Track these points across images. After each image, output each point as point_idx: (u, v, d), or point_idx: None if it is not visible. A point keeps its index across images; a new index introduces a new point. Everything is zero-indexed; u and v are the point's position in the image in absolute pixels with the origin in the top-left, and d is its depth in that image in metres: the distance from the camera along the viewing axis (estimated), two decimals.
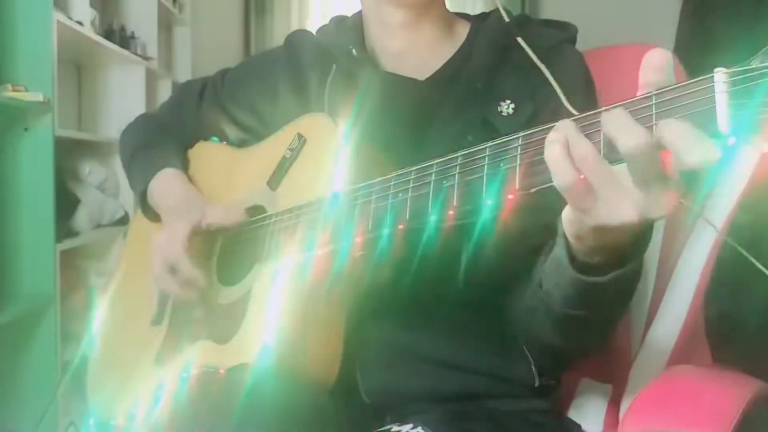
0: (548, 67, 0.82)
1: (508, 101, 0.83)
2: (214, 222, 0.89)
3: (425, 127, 0.86)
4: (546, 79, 0.82)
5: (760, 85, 0.44)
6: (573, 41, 0.90)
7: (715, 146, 0.46)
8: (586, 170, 0.52)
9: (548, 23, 0.92)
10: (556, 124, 0.55)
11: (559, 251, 0.66)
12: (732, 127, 0.45)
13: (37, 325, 1.93)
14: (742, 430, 0.68)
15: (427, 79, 0.89)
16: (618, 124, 0.50)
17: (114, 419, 0.93)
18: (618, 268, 0.63)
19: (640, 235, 0.62)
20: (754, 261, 0.50)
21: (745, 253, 0.53)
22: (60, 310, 1.98)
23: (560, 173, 0.53)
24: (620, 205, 0.53)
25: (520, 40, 0.84)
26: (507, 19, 0.87)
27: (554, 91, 0.80)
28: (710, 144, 0.46)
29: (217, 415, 0.75)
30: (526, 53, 0.84)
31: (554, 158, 0.53)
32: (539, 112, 0.82)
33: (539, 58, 0.83)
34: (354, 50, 0.91)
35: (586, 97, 0.85)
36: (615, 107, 0.52)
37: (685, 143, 0.47)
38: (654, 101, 0.49)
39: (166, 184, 0.98)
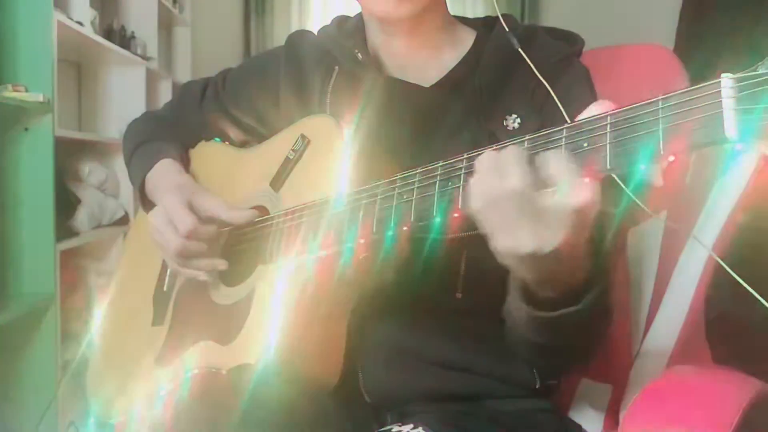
0: (555, 81, 0.79)
1: (514, 116, 0.82)
2: (214, 213, 0.87)
3: (429, 134, 0.85)
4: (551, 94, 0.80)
5: (766, 90, 0.44)
6: (579, 54, 0.89)
7: (574, 183, 0.52)
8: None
9: (555, 33, 0.90)
10: (478, 157, 0.59)
11: (513, 284, 0.70)
12: (739, 132, 0.45)
13: (37, 325, 1.93)
14: (742, 430, 0.68)
15: (432, 86, 0.88)
16: (507, 163, 0.56)
17: (114, 419, 0.93)
18: (571, 305, 0.65)
19: (589, 274, 0.65)
20: (742, 282, 0.51)
21: (733, 273, 0.53)
22: (60, 310, 1.98)
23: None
24: (519, 235, 0.57)
25: (525, 56, 0.81)
26: (506, 29, 0.84)
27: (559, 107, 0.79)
28: (579, 182, 0.52)
29: (219, 415, 0.75)
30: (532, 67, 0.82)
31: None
32: (545, 128, 0.81)
33: (546, 71, 0.79)
34: (359, 54, 0.90)
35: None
36: (621, 112, 0.52)
37: (561, 177, 0.53)
38: (660, 106, 0.49)
39: (163, 173, 0.97)
